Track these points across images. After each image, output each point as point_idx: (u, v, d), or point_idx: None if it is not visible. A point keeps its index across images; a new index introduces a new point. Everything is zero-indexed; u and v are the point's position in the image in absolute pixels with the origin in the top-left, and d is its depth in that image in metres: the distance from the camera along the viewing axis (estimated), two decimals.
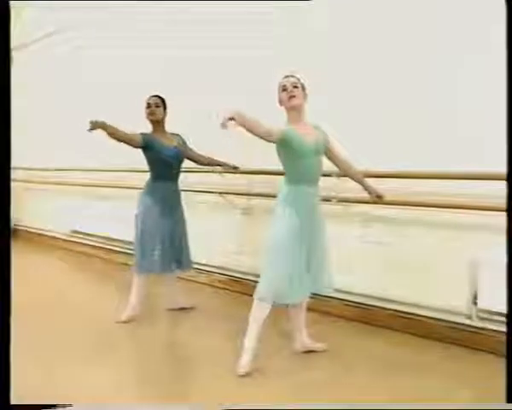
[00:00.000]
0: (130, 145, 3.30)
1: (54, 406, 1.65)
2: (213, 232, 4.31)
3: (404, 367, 2.66)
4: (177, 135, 3.54)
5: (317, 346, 2.86)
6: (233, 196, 4.17)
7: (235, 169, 3.75)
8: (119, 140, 3.23)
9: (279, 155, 2.63)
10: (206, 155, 3.68)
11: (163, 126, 3.47)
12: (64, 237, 6.32)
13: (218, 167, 3.78)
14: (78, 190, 5.88)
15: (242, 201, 4.14)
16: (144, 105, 3.42)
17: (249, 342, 2.58)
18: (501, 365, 2.24)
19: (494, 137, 2.46)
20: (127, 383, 2.55)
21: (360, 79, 3.37)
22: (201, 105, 4.39)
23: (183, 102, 4.08)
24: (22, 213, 6.93)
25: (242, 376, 2.50)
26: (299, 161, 2.55)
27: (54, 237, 6.50)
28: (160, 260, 3.35)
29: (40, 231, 6.76)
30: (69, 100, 6.18)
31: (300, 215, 2.56)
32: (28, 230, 6.78)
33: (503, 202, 2.38)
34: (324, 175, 3.02)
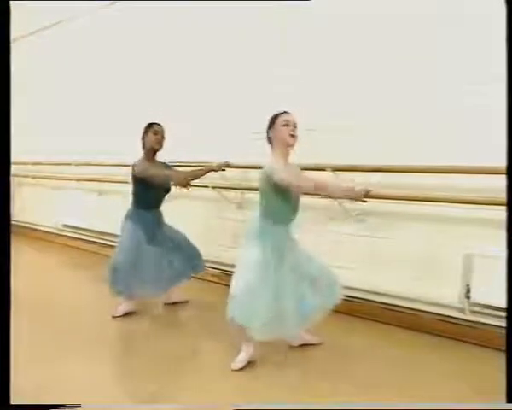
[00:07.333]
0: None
1: (62, 406, 1.64)
2: (207, 226, 4.30)
3: (397, 361, 2.68)
4: (163, 163, 3.42)
5: (313, 339, 2.88)
6: (227, 190, 4.16)
7: (226, 165, 3.72)
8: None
9: (265, 192, 2.51)
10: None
11: (155, 156, 3.36)
12: (55, 232, 6.27)
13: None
14: (70, 185, 5.83)
15: (237, 195, 4.13)
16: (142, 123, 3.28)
17: (246, 341, 2.59)
18: (493, 358, 2.27)
19: (490, 131, 2.47)
20: (121, 380, 2.55)
21: (361, 77, 3.37)
22: (201, 105, 4.39)
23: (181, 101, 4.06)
24: (14, 207, 6.85)
25: (237, 370, 2.50)
26: (287, 199, 2.50)
27: (45, 232, 6.45)
28: (141, 285, 3.25)
29: (31, 226, 6.70)
30: (61, 95, 6.12)
31: (274, 248, 2.49)
32: (20, 224, 6.70)
33: (496, 195, 2.41)
34: (319, 169, 3.03)
